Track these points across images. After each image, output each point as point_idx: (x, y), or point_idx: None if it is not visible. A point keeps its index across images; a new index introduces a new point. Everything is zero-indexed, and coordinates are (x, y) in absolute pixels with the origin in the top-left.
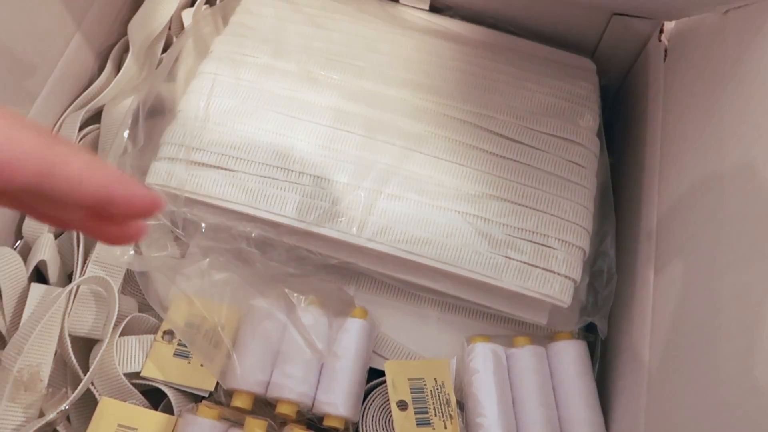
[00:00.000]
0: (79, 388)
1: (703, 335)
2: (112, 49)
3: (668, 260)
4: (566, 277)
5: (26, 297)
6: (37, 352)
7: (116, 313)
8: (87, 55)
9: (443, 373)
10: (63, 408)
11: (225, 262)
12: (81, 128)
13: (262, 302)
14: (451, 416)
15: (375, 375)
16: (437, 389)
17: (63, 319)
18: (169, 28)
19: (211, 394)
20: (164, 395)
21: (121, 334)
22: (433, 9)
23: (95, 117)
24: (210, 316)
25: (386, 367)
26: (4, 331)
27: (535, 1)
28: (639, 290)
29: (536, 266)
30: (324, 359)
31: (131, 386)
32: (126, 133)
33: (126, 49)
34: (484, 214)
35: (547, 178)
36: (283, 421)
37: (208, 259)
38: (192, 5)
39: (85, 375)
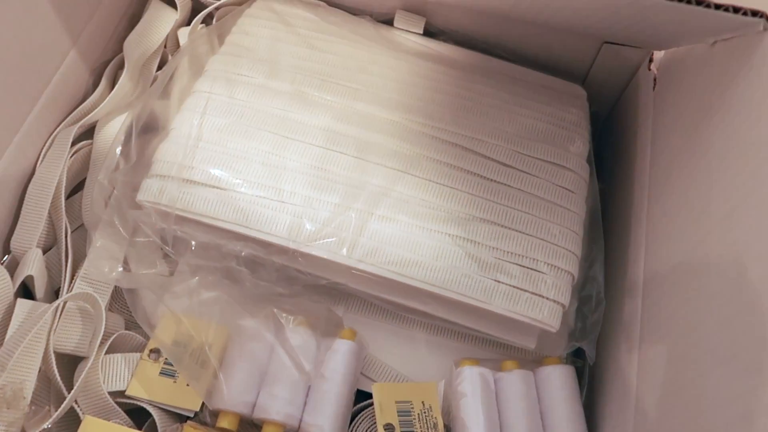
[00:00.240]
0: (63, 406)
1: (691, 361)
2: (107, 66)
3: (656, 286)
4: (555, 301)
5: (12, 312)
6: (21, 369)
7: (103, 331)
8: (82, 71)
9: (431, 397)
10: (46, 426)
11: (214, 280)
12: (73, 143)
13: (250, 322)
14: None
15: (362, 397)
16: (425, 412)
17: (48, 335)
18: (165, 47)
19: (196, 414)
20: (149, 415)
21: (107, 352)
22: (427, 33)
23: (88, 133)
24: (197, 335)
25: (374, 389)
26: None
27: (527, 28)
28: (627, 316)
29: (525, 290)
30: (311, 381)
31: (115, 405)
32: (119, 150)
33: (121, 66)
34: (473, 237)
35: (537, 203)
36: None
37: (197, 278)
38: (188, 24)
39: (69, 393)
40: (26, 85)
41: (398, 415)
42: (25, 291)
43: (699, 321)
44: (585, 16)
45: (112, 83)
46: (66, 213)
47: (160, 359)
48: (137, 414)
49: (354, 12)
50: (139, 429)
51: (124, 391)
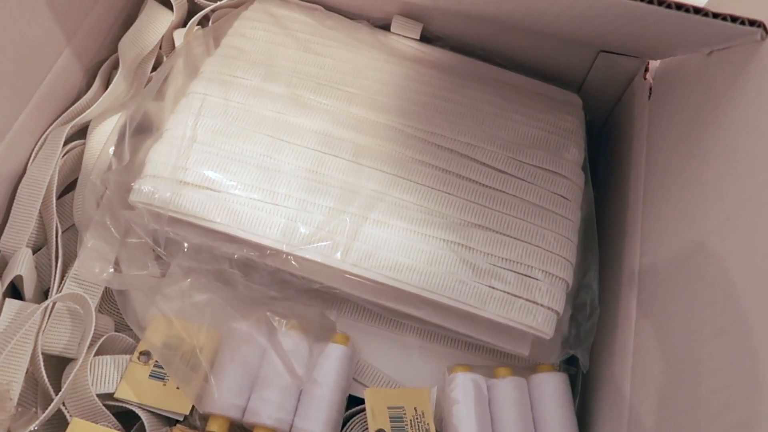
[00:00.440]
0: (50, 408)
1: (685, 370)
2: (101, 66)
3: (651, 295)
4: (549, 308)
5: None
6: (8, 370)
7: (92, 332)
8: (76, 71)
9: (423, 403)
10: (32, 428)
11: (206, 283)
12: (66, 143)
13: (242, 325)
14: None
15: (354, 402)
16: (417, 418)
17: (37, 336)
18: (160, 48)
19: (186, 417)
20: (138, 418)
21: (97, 354)
22: (424, 39)
23: (81, 132)
24: (188, 338)
25: (366, 394)
26: None
27: (524, 35)
28: (621, 324)
29: (519, 297)
30: (303, 385)
31: (104, 408)
32: (112, 150)
33: (115, 66)
34: (468, 243)
35: (532, 210)
36: None
37: (189, 280)
38: (184, 26)
39: (56, 395)
40: (19, 84)
41: (390, 421)
42: (14, 291)
43: (694, 329)
44: (581, 25)
45: (106, 83)
46: (57, 213)
47: (150, 362)
48: (126, 417)
49: (351, 16)
50: None
51: (113, 393)
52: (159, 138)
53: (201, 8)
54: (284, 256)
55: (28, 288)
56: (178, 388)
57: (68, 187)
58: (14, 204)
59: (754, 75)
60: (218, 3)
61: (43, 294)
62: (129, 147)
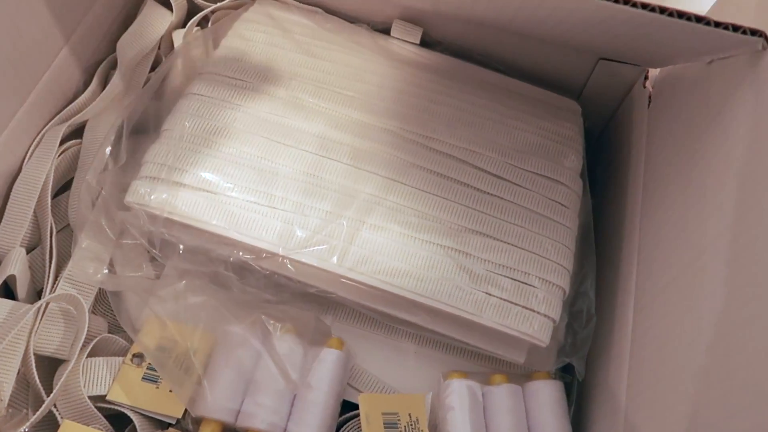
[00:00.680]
0: (41, 410)
1: (681, 380)
2: (99, 65)
3: (647, 303)
4: (545, 316)
5: None
6: None
7: (85, 333)
8: (73, 70)
9: (418, 409)
10: (23, 430)
11: (201, 285)
12: (62, 142)
13: (236, 328)
14: None
15: (348, 408)
16: (411, 425)
17: (29, 336)
18: (159, 48)
19: (178, 421)
20: (129, 421)
21: (89, 355)
22: (424, 43)
23: (77, 132)
24: (182, 340)
25: (360, 400)
26: None
27: (524, 41)
28: (617, 332)
29: (516, 304)
30: (297, 390)
31: (95, 410)
32: (108, 150)
33: (113, 66)
34: (465, 249)
35: (530, 216)
36: None
37: (184, 282)
38: (183, 26)
39: (48, 396)
40: (16, 82)
41: (384, 427)
42: (7, 290)
43: (691, 339)
44: (582, 32)
45: (104, 83)
46: (52, 212)
47: (143, 364)
48: (118, 420)
49: (351, 20)
50: None
51: (105, 395)
52: (156, 139)
53: (201, 9)
54: (280, 259)
55: (21, 288)
56: (170, 391)
57: (64, 187)
58: (9, 203)
59: (755, 85)
60: (218, 4)
61: (37, 294)
62: (126, 147)
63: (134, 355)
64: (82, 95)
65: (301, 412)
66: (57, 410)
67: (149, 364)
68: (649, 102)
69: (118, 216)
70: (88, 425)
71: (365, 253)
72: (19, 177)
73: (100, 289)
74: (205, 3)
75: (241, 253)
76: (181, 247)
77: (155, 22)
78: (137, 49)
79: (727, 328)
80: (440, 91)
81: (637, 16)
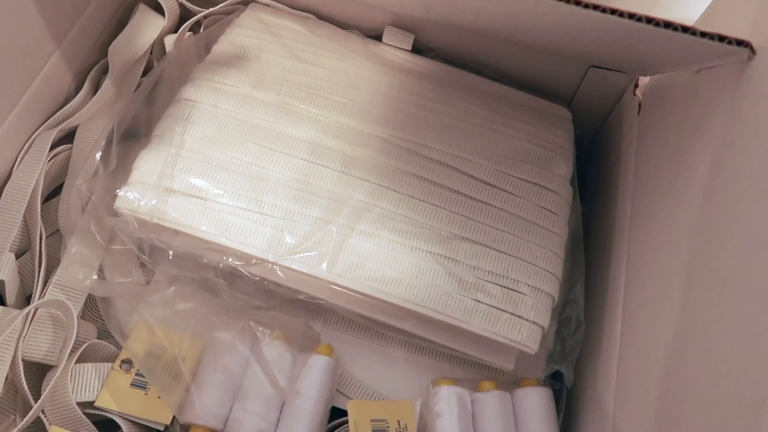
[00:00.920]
0: (29, 416)
1: (668, 388)
2: (90, 70)
3: (636, 311)
4: (534, 323)
5: None
6: None
7: (74, 339)
8: (65, 74)
9: (407, 415)
10: None
11: (191, 291)
12: (53, 147)
13: (225, 335)
14: None
15: (337, 414)
16: (400, 431)
17: (18, 342)
18: (151, 53)
19: (166, 427)
20: (118, 427)
21: (78, 361)
22: (416, 50)
23: (68, 137)
24: (171, 347)
25: (349, 406)
26: None
27: (515, 49)
28: (606, 339)
29: (505, 311)
30: (285, 396)
31: (83, 416)
32: (98, 155)
33: (105, 71)
34: (455, 256)
35: (520, 223)
36: None
37: (173, 288)
38: (175, 31)
39: (36, 402)
40: (6, 87)
41: None
42: None
43: (678, 346)
44: (572, 40)
45: (95, 88)
46: (42, 218)
47: (132, 370)
48: (106, 426)
49: (343, 26)
50: None
51: (94, 401)
52: (147, 144)
53: (193, 14)
54: (269, 265)
55: (10, 293)
56: (159, 397)
57: (54, 192)
58: None
59: (741, 94)
60: (210, 9)
61: (26, 299)
62: (116, 152)
63: (123, 361)
64: (73, 100)
65: (290, 419)
66: (45, 416)
67: (138, 370)
68: (639, 109)
69: (107, 222)
70: (76, 431)
71: (355, 259)
72: (9, 182)
73: (89, 294)
74: (197, 8)
75: (230, 259)
76: (171, 253)
77: (147, 27)
78: (129, 54)
79: (713, 336)
80: (431, 97)
81: (624, 26)
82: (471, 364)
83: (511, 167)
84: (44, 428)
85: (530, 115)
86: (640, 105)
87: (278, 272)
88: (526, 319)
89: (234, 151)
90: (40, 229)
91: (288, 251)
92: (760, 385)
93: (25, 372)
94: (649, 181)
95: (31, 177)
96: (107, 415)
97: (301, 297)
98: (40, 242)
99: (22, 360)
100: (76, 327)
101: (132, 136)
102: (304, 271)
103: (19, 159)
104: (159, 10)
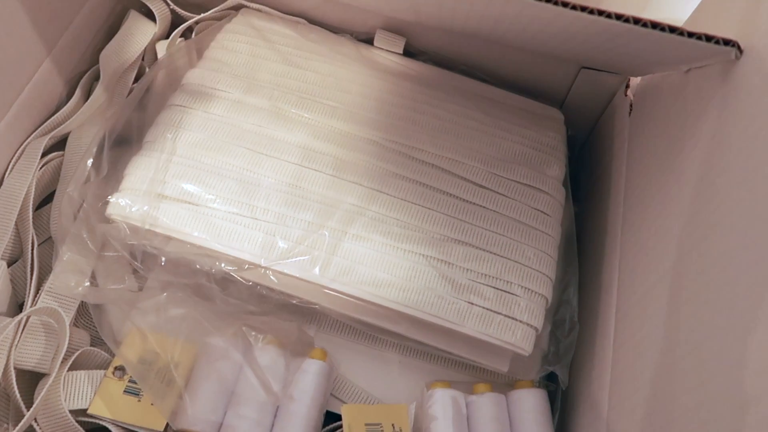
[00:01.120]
0: (21, 424)
1: (660, 389)
2: (82, 77)
3: (629, 310)
4: (528, 324)
5: None
6: None
7: (66, 347)
8: (56, 81)
9: (401, 419)
10: None
11: (183, 297)
12: (44, 155)
13: (218, 340)
14: None
15: (332, 419)
16: None
17: (10, 350)
18: (143, 59)
19: None
20: None
21: (71, 369)
22: (407, 53)
23: (60, 144)
24: (164, 353)
25: (343, 410)
26: None
27: (506, 51)
28: (599, 340)
29: (498, 313)
30: (279, 401)
31: (76, 424)
32: (90, 162)
33: (96, 78)
34: (448, 259)
35: (512, 225)
36: None
37: (165, 294)
38: (167, 37)
39: (28, 410)
40: None
41: None
42: None
43: (670, 346)
44: (562, 41)
45: (87, 94)
46: (34, 225)
47: (125, 377)
48: None
49: (334, 30)
50: None
51: (86, 409)
52: (138, 150)
53: (184, 20)
54: (262, 270)
55: (2, 301)
56: (152, 404)
57: (46, 200)
58: None
59: (729, 93)
60: (201, 15)
61: (18, 307)
62: (107, 159)
63: (116, 368)
64: (65, 107)
65: (284, 424)
66: (38, 424)
67: (131, 377)
68: (631, 110)
69: (99, 228)
70: None
71: (347, 263)
72: (1, 190)
73: (81, 301)
74: (188, 14)
75: (223, 265)
76: (163, 259)
77: (139, 33)
78: (120, 60)
79: (702, 336)
80: (423, 100)
81: (612, 27)
82: (465, 366)
83: (504, 169)
84: None
85: (522, 117)
86: (631, 105)
87: (271, 277)
88: (520, 321)
89: (226, 156)
90: (32, 237)
91: (281, 256)
92: (747, 386)
93: (17, 380)
94: (641, 181)
95: (22, 184)
96: (100, 422)
97: (295, 301)
98: (32, 250)
99: (15, 368)
100: (68, 334)
101: (124, 142)
102: (297, 275)
103: (10, 166)
104: (150, 16)
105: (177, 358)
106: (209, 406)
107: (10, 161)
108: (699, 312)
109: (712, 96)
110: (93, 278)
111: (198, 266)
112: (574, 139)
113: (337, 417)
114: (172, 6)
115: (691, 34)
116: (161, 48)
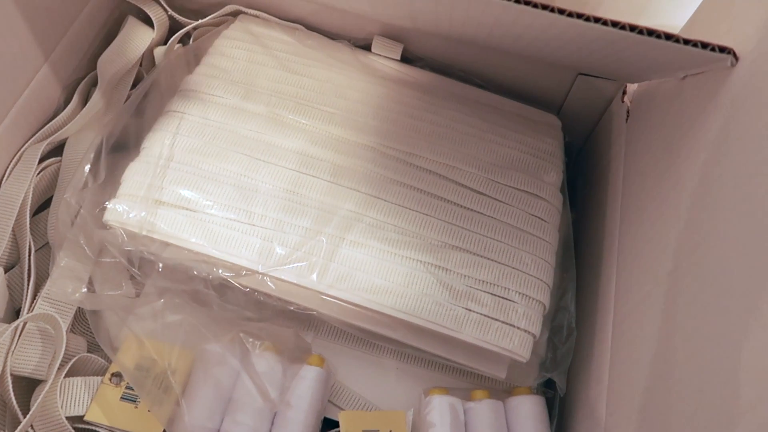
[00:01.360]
0: (17, 431)
1: (658, 395)
2: (79, 83)
3: (626, 316)
4: (526, 331)
5: None
6: None
7: (63, 353)
8: (53, 87)
9: (399, 426)
10: None
11: (180, 303)
12: (42, 160)
13: (215, 347)
14: None
15: (329, 425)
16: None
17: (6, 356)
18: (140, 65)
19: None
20: None
21: (67, 375)
22: (404, 59)
23: (57, 150)
24: (161, 359)
25: (341, 417)
26: None
27: (503, 57)
28: (597, 347)
29: (496, 319)
30: (276, 408)
31: (73, 431)
32: (87, 168)
33: (94, 84)
34: (445, 265)
35: (510, 231)
36: None
37: (162, 300)
38: (165, 43)
39: (25, 417)
40: None
41: None
42: None
43: (667, 353)
44: (559, 48)
45: (85, 100)
46: (31, 231)
47: (122, 383)
48: None
49: (332, 36)
50: None
51: (83, 416)
52: (136, 156)
53: (182, 26)
54: (260, 276)
55: None
56: (149, 410)
57: (43, 205)
58: None
59: (725, 100)
60: (199, 21)
61: (15, 313)
62: (105, 165)
63: (113, 375)
64: (62, 113)
65: (281, 431)
66: (34, 431)
67: (128, 383)
68: (627, 116)
69: (96, 234)
70: None
71: (345, 269)
72: None
73: (78, 308)
74: (186, 20)
75: (220, 271)
76: (161, 265)
77: (136, 39)
78: (118, 66)
79: (698, 343)
80: (421, 106)
81: (608, 34)
82: (463, 373)
83: (501, 175)
84: None
85: (520, 123)
86: (628, 112)
87: (268, 283)
88: (518, 327)
89: (223, 163)
90: (29, 243)
91: (278, 262)
92: (743, 393)
93: (13, 387)
94: (638, 187)
95: (20, 190)
96: (97, 429)
97: (292, 308)
98: (29, 256)
99: (11, 374)
100: (65, 341)
101: (121, 148)
102: (295, 281)
103: (7, 172)
104: (148, 22)
105: (174, 365)
106: (206, 413)
107: (7, 167)
108: (695, 318)
109: (708, 103)
110: (90, 284)
111: (195, 272)
112: (571, 145)
113: (335, 424)
114: (170, 12)
115: (687, 41)
116: (159, 54)
